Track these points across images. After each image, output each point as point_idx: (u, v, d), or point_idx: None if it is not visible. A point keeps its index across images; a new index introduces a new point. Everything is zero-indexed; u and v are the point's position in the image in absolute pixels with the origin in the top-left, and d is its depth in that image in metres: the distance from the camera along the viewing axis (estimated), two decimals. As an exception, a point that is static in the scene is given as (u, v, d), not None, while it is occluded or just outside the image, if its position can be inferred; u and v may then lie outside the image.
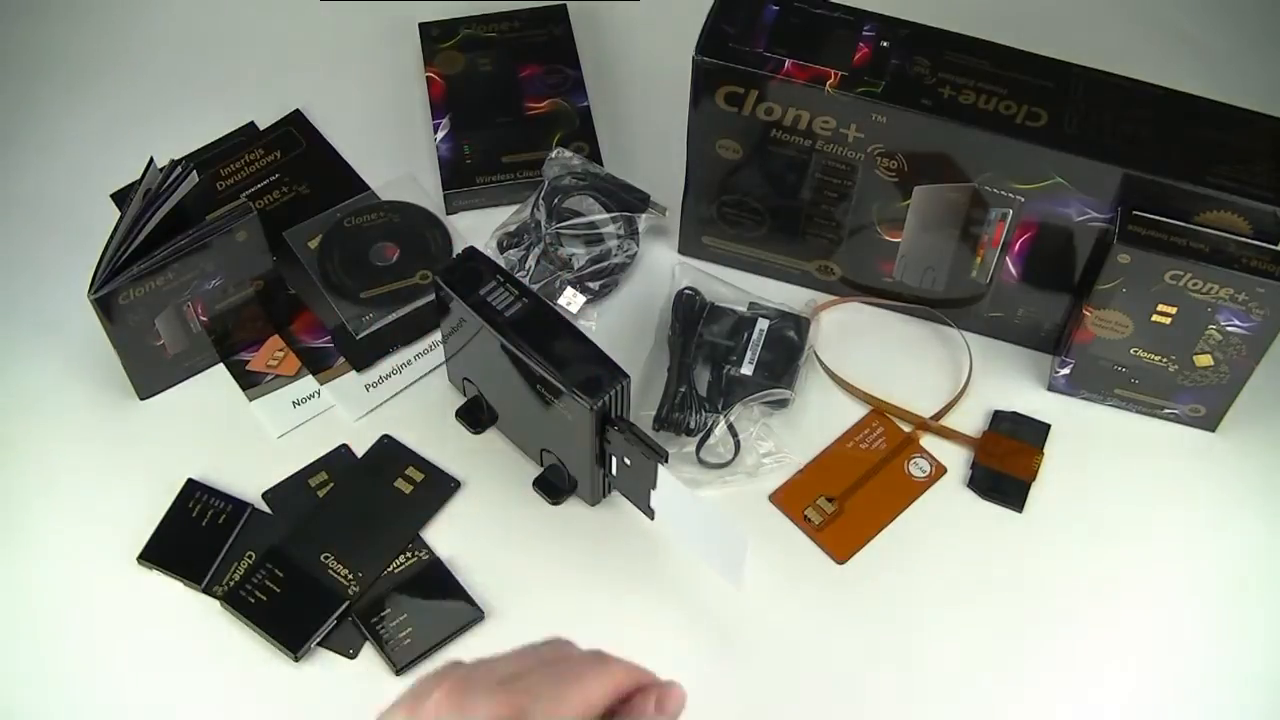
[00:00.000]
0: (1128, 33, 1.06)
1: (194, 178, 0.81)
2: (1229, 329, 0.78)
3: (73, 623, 0.77)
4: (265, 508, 0.81)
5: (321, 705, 0.75)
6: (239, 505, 0.81)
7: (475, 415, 0.84)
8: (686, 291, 0.88)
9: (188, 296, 0.82)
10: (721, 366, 0.85)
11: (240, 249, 0.83)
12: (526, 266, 0.89)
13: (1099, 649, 0.77)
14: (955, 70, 0.78)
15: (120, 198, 0.95)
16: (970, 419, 0.86)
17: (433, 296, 0.82)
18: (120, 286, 0.79)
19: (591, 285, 0.89)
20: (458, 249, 0.92)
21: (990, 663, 0.76)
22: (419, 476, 0.82)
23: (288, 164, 0.97)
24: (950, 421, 0.85)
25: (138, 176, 0.80)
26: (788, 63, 0.78)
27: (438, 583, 0.78)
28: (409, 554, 0.79)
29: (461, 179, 0.95)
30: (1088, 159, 0.76)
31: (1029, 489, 0.82)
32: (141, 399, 0.86)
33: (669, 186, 0.89)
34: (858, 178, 0.82)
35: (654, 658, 0.76)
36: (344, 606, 0.77)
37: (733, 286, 0.89)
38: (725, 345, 0.86)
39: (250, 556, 0.79)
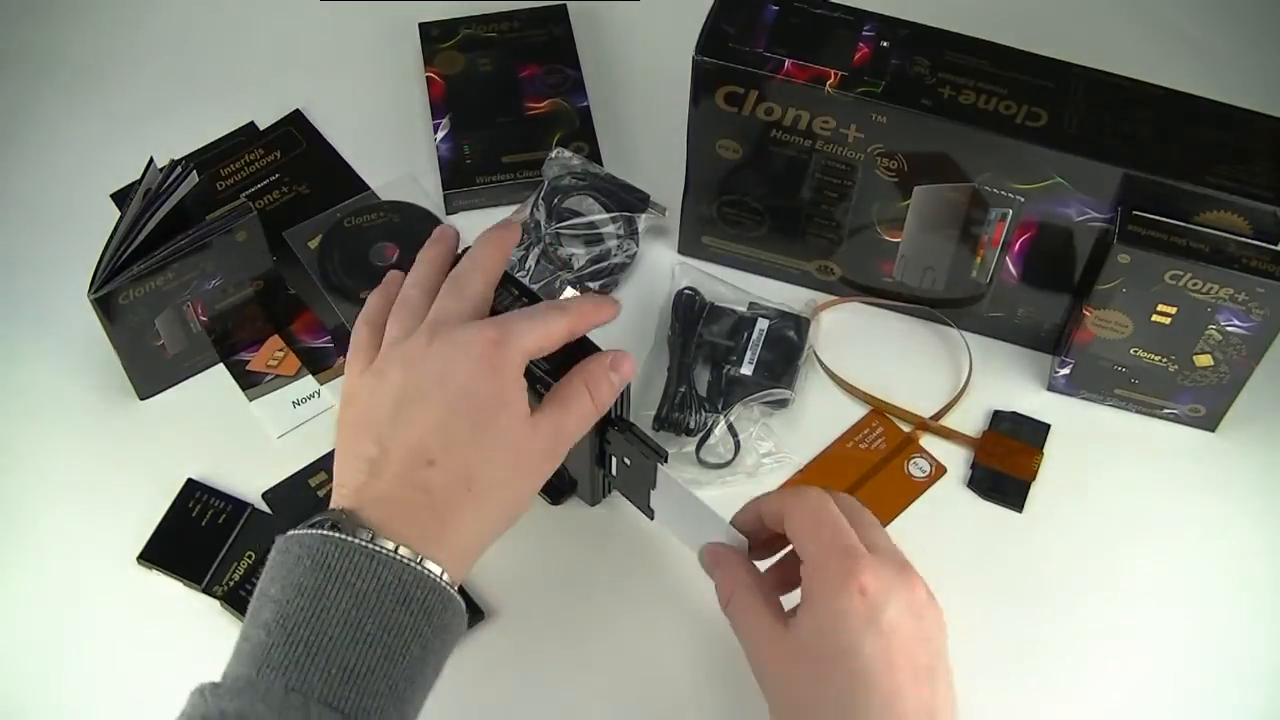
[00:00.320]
0: (1128, 33, 1.06)
1: (194, 178, 0.81)
2: (1229, 329, 0.78)
3: (72, 623, 0.77)
4: (265, 508, 0.81)
5: (321, 705, 0.75)
6: (239, 505, 0.81)
7: (475, 415, 0.84)
8: (686, 291, 0.88)
9: (188, 296, 0.82)
10: (721, 366, 0.85)
11: (240, 249, 0.83)
12: (526, 266, 0.89)
13: (1099, 649, 0.77)
14: (955, 70, 0.78)
15: (120, 198, 0.95)
16: (970, 419, 0.86)
17: (433, 296, 0.82)
18: (120, 286, 0.79)
19: (591, 285, 0.89)
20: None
21: (990, 662, 0.76)
22: (419, 476, 0.82)
23: (288, 164, 0.97)
24: (950, 421, 0.85)
25: (138, 176, 0.80)
26: (788, 63, 0.78)
27: (438, 583, 0.78)
28: (409, 554, 0.79)
29: (461, 179, 0.95)
30: (1088, 159, 0.76)
31: (1029, 489, 0.82)
32: (141, 399, 0.86)
33: (669, 186, 0.89)
34: (858, 178, 0.82)
35: (654, 657, 0.76)
36: (344, 606, 0.77)
37: (733, 286, 0.90)
38: (725, 345, 0.86)
39: (250, 556, 0.79)
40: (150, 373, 0.85)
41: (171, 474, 0.82)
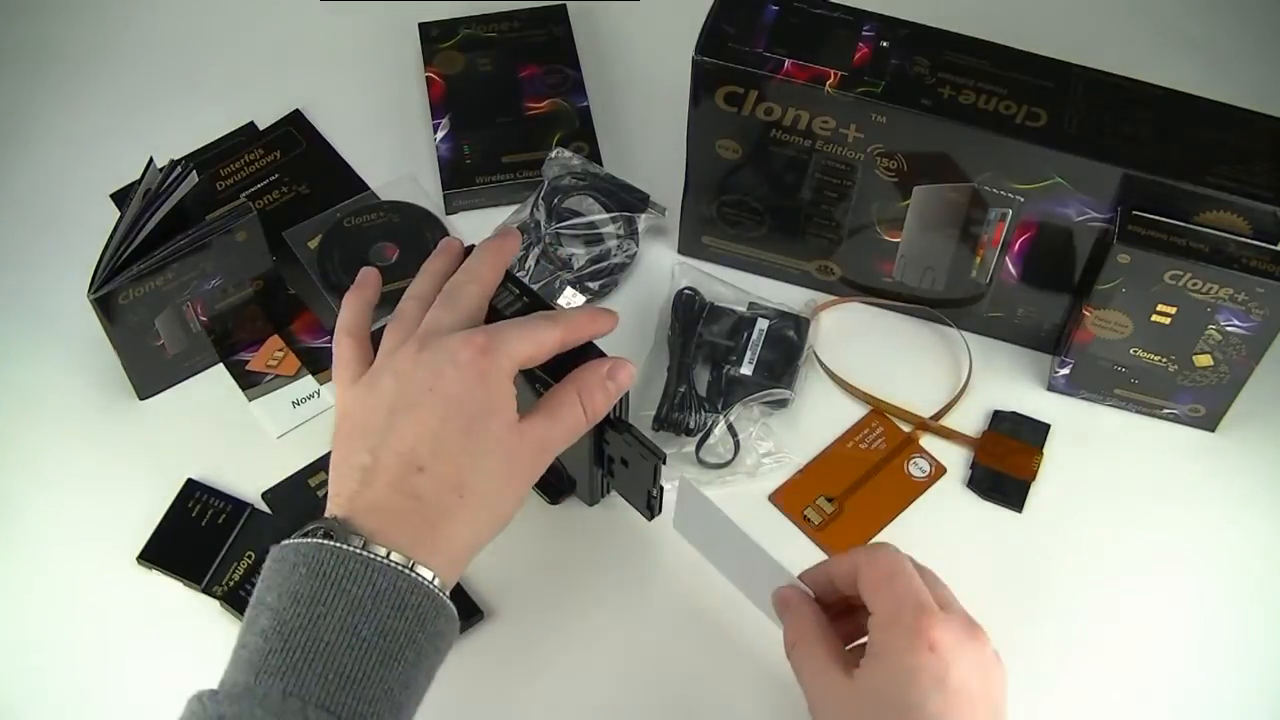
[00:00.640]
0: (1128, 33, 1.06)
1: (194, 178, 0.81)
2: (1229, 329, 0.78)
3: (72, 623, 0.77)
4: (265, 508, 0.81)
5: (321, 705, 0.75)
6: (239, 505, 0.81)
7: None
8: (686, 291, 0.88)
9: (188, 296, 0.82)
10: (721, 366, 0.85)
11: (240, 249, 0.83)
12: (526, 266, 0.89)
13: (1099, 649, 0.77)
14: (955, 70, 0.78)
15: (120, 198, 0.95)
16: (970, 419, 0.86)
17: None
18: (120, 286, 0.79)
19: (591, 285, 0.89)
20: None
21: (990, 663, 0.76)
22: (419, 476, 0.82)
23: (288, 164, 0.97)
24: (950, 421, 0.85)
25: (138, 176, 0.80)
26: (787, 63, 0.78)
27: (437, 583, 0.78)
28: (409, 554, 0.79)
29: (461, 179, 0.95)
30: (1088, 159, 0.76)
31: (1029, 489, 0.82)
32: (141, 399, 0.86)
33: (669, 186, 0.89)
34: (858, 178, 0.82)
35: (653, 657, 0.76)
36: (343, 606, 0.77)
37: (732, 286, 0.90)
38: (725, 345, 0.86)
39: (250, 557, 0.79)
40: (150, 373, 0.85)
41: (171, 474, 0.82)
